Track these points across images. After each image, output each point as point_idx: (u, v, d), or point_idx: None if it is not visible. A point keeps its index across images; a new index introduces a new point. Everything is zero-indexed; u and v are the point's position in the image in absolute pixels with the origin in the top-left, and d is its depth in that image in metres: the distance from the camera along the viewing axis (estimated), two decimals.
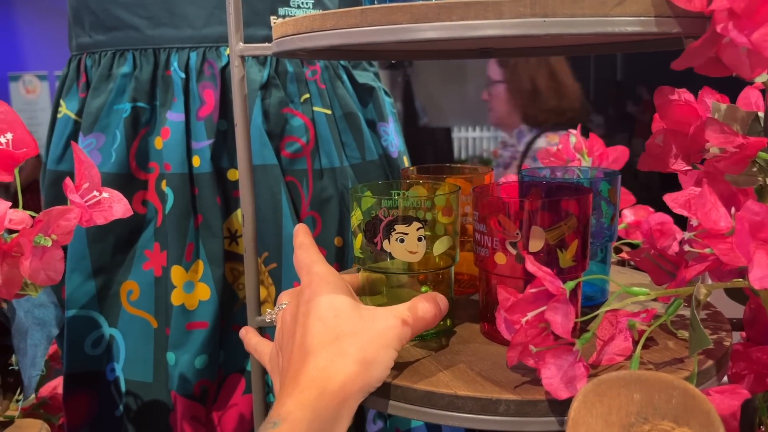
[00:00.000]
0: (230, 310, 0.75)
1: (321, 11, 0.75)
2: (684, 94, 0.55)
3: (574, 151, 0.82)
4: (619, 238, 0.92)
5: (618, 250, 0.83)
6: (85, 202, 0.52)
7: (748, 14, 0.37)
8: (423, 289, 0.54)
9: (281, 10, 0.73)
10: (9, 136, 0.50)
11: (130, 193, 0.73)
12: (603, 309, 0.44)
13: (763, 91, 0.60)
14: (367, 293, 0.54)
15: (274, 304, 0.71)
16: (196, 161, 0.71)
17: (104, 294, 0.74)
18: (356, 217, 0.52)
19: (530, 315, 0.41)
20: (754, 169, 0.52)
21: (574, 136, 0.84)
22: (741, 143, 0.48)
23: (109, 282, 0.74)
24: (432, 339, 0.54)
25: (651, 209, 0.87)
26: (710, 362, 0.47)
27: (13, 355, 0.64)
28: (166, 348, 0.73)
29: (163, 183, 0.72)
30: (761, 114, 0.55)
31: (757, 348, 0.54)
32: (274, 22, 0.73)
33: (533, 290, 0.41)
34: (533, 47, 0.70)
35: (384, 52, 0.68)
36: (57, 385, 0.80)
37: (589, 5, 0.38)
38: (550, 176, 0.65)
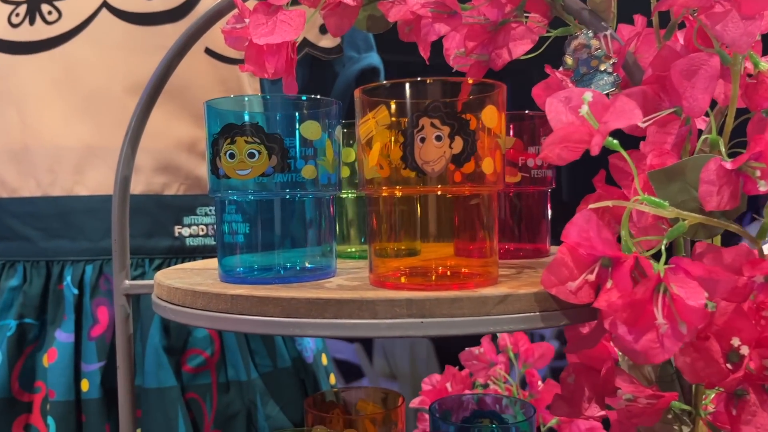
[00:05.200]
0: None
1: None
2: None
3: (498, 352, 0.79)
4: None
5: None
6: None
7: (632, 321, 0.35)
8: None
9: (186, 219, 0.70)
10: None
11: (10, 419, 0.66)
12: None
13: None
14: None
15: None
16: (84, 385, 0.65)
17: None
18: None
19: None
20: (670, 416, 0.50)
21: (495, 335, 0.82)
22: (652, 395, 0.45)
23: None
24: None
25: None
26: None
27: None
28: None
29: (48, 406, 0.65)
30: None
31: None
32: (179, 233, 0.70)
33: None
34: None
35: None
36: None
37: (468, 305, 0.35)
38: (468, 406, 0.61)
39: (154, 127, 0.60)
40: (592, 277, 0.36)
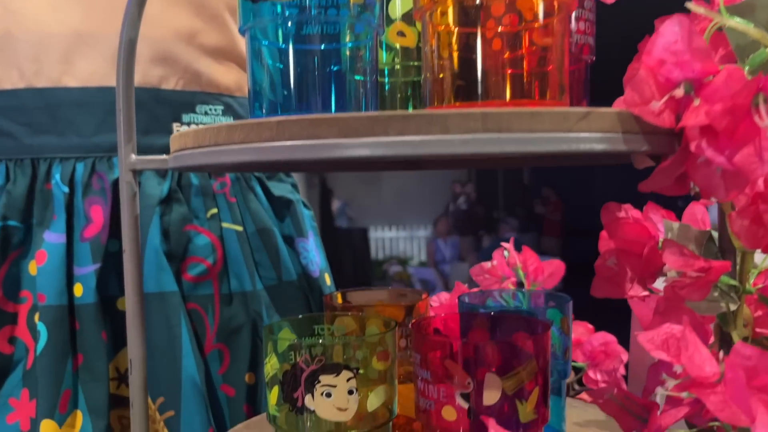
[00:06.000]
0: None
1: (231, 120, 0.68)
2: (631, 211, 0.51)
3: (509, 268, 0.76)
4: None
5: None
6: None
7: (729, 132, 0.32)
8: None
9: (186, 117, 0.65)
10: None
11: None
12: None
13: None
14: None
15: None
16: (78, 290, 0.60)
17: None
18: (271, 365, 0.42)
19: None
20: (716, 294, 0.47)
21: (507, 250, 0.79)
22: (702, 267, 0.43)
23: None
24: None
25: (590, 326, 0.81)
26: None
27: None
28: None
29: (36, 316, 0.60)
30: (715, 233, 0.51)
31: None
32: (177, 130, 0.65)
33: None
34: (466, 159, 0.65)
35: (303, 163, 0.61)
36: None
37: (549, 119, 0.32)
38: (492, 302, 0.58)
39: (150, 15, 0.55)
40: (680, 92, 0.33)
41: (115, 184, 0.62)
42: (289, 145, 0.34)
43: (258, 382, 0.66)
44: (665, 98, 0.34)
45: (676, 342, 0.39)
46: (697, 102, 0.33)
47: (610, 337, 0.76)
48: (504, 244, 0.80)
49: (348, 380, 0.41)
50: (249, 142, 0.35)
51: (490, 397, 0.40)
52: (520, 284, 0.79)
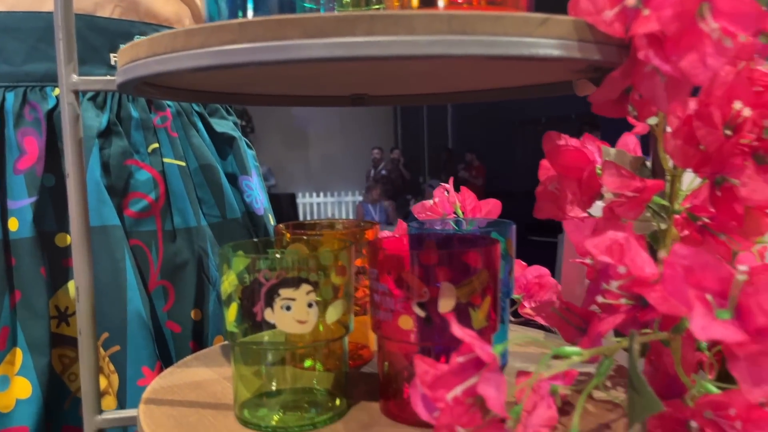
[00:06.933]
0: (58, 407, 0.60)
1: None
2: (570, 140, 0.54)
3: (450, 206, 0.78)
4: None
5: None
6: None
7: (676, 39, 0.34)
8: (307, 363, 0.46)
9: (123, 46, 0.62)
10: None
11: None
12: (535, 376, 0.38)
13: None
14: (240, 375, 0.44)
15: (116, 395, 0.58)
16: (12, 224, 0.57)
17: None
18: (229, 283, 0.42)
19: (459, 390, 0.34)
20: (648, 214, 0.51)
21: (447, 190, 0.81)
22: (638, 186, 0.46)
23: None
24: (324, 426, 0.44)
25: (522, 262, 0.85)
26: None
27: None
28: None
29: None
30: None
31: (666, 402, 0.52)
32: (115, 60, 0.63)
33: (461, 359, 0.34)
34: (410, 95, 0.66)
35: (249, 96, 0.60)
36: None
37: (511, 24, 0.33)
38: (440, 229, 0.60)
39: None
40: (632, 2, 0.35)
41: (50, 115, 0.59)
42: (251, 47, 0.33)
43: (204, 318, 0.66)
44: (617, 9, 0.35)
45: (619, 247, 0.41)
46: (646, 12, 0.35)
47: (544, 270, 0.79)
48: (444, 184, 0.82)
49: (307, 293, 0.41)
50: (209, 46, 0.34)
51: (446, 304, 0.41)
52: (458, 223, 0.81)
